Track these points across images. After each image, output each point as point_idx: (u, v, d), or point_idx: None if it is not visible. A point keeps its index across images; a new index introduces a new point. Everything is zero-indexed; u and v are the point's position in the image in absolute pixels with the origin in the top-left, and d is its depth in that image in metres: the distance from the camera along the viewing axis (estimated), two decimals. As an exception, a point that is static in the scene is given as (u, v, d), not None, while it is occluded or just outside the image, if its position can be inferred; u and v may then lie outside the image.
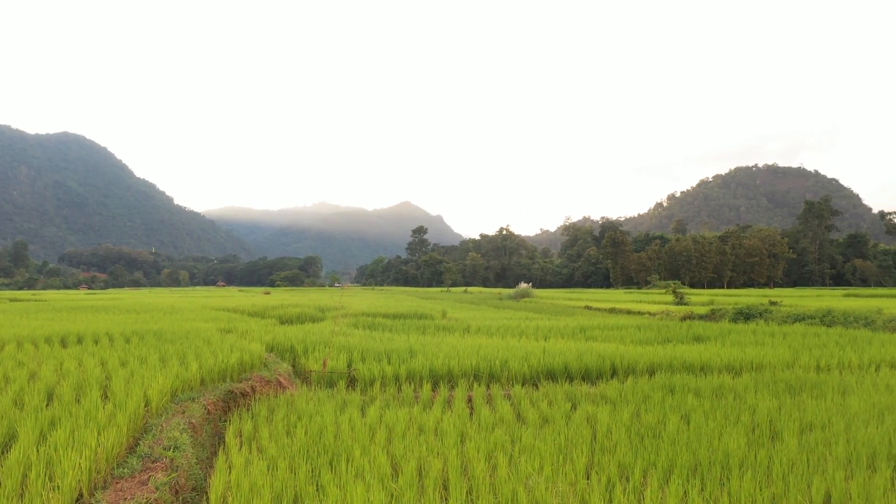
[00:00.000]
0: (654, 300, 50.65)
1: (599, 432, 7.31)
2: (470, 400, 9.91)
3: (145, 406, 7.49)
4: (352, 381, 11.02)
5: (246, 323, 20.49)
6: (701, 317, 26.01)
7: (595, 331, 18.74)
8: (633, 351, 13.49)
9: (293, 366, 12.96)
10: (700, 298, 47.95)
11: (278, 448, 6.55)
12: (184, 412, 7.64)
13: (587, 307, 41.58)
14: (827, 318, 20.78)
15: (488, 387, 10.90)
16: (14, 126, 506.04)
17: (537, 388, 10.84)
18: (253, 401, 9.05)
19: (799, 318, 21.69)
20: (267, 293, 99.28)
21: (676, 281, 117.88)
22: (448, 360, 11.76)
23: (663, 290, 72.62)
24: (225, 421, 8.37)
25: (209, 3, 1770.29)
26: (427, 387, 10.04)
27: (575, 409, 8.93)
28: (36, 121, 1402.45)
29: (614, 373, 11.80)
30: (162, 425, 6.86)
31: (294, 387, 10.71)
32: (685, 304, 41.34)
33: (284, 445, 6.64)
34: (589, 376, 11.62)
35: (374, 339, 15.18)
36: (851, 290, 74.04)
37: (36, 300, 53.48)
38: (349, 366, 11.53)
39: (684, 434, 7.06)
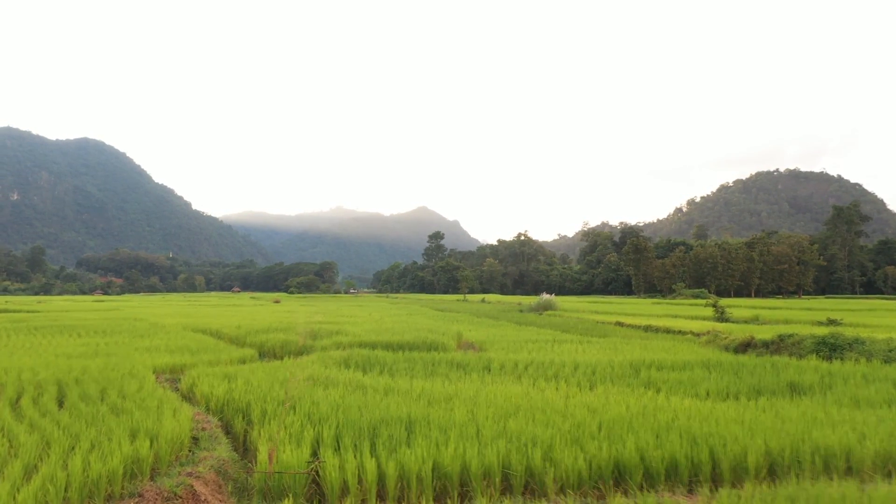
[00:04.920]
0: (689, 314, 46.15)
1: None
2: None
3: None
4: (316, 486, 7.16)
5: (214, 355, 16.73)
6: (765, 344, 21.72)
7: (653, 371, 14.59)
8: (723, 415, 9.47)
9: (243, 443, 9.12)
10: (741, 313, 43.31)
11: None
12: None
13: (618, 323, 37.32)
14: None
15: (524, 499, 6.98)
16: (35, 132, 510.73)
17: (604, 502, 6.89)
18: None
19: (907, 353, 17.28)
20: (277, 301, 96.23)
21: (703, 289, 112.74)
22: (462, 442, 7.85)
23: (701, 302, 67.81)
24: None
25: (228, 10, 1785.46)
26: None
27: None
28: (56, 127, 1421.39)
29: (714, 467, 7.77)
30: None
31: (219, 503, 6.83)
32: (728, 321, 36.99)
33: None
34: (678, 475, 7.60)
35: (362, 393, 11.26)
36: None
37: (29, 310, 50.57)
38: (313, 456, 7.63)
39: None
